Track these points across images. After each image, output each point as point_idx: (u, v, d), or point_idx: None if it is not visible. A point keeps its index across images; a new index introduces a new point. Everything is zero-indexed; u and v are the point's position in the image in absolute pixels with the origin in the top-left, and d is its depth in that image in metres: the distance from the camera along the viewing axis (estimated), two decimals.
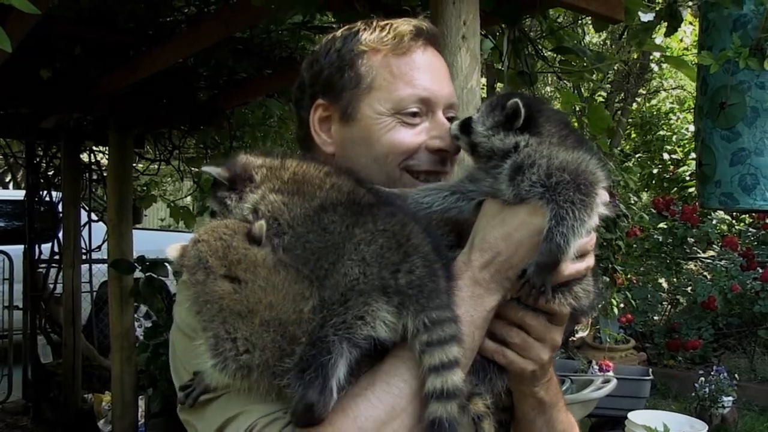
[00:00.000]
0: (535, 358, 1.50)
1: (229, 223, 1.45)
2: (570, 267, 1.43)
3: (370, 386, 1.34)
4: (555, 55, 3.99)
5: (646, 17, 3.28)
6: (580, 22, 4.72)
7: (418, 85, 1.63)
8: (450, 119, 1.69)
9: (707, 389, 8.16)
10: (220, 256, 1.38)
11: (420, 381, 1.32)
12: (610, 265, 4.10)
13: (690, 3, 3.43)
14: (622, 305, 8.84)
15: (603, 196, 1.46)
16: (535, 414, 1.63)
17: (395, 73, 1.63)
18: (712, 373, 8.31)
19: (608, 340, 8.96)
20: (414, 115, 1.63)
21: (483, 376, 1.51)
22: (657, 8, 3.26)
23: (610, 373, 6.82)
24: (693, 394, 8.35)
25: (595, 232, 1.48)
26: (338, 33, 1.72)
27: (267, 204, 1.46)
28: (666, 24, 3.18)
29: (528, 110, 1.49)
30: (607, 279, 4.33)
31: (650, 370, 7.76)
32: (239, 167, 1.53)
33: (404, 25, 1.66)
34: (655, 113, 15.73)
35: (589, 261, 1.49)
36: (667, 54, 6.82)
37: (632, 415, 5.97)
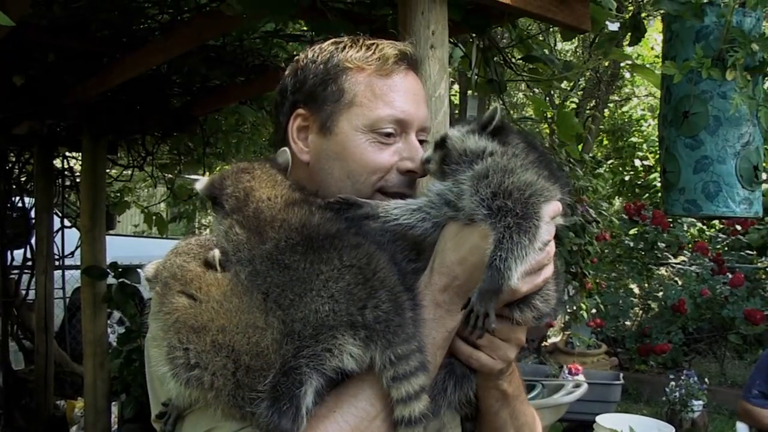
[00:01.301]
0: (503, 357, 1.58)
1: (191, 247, 1.51)
2: (526, 284, 1.48)
3: (338, 408, 1.40)
4: (524, 63, 4.04)
5: (613, 27, 3.34)
6: (550, 30, 4.78)
7: (396, 107, 1.69)
8: (421, 142, 1.76)
9: (678, 393, 8.26)
10: (177, 276, 1.45)
11: (383, 401, 1.40)
12: (579, 270, 4.16)
13: (658, 13, 3.49)
14: (594, 311, 8.94)
15: (552, 210, 1.50)
16: (499, 406, 1.69)
17: (376, 92, 1.69)
18: (682, 377, 8.41)
19: (578, 344, 9.03)
20: (389, 135, 1.69)
21: (459, 381, 1.59)
22: (624, 18, 3.32)
23: (581, 378, 6.88)
24: (664, 398, 8.44)
25: (552, 243, 1.53)
26: (325, 45, 1.77)
27: (233, 234, 1.52)
28: (630, 35, 3.24)
29: (502, 119, 1.58)
30: (577, 284, 4.39)
31: (621, 374, 7.83)
32: (215, 190, 1.59)
33: (390, 48, 1.72)
34: (626, 120, 15.89)
35: (547, 272, 1.53)
36: (636, 62, 6.91)
37: (600, 419, 6.03)
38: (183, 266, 1.47)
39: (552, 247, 1.53)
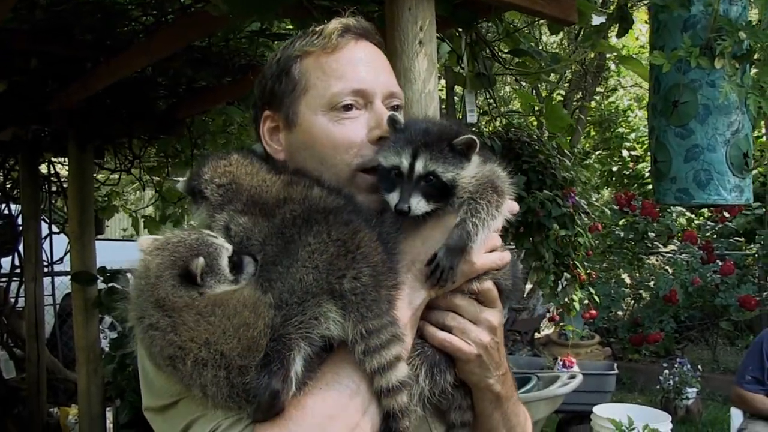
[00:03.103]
0: (475, 340, 1.59)
1: (178, 249, 1.46)
2: (483, 258, 1.58)
3: (322, 384, 1.43)
4: (512, 57, 4.04)
5: (598, 20, 3.34)
6: (536, 23, 4.79)
7: (350, 78, 1.66)
8: (395, 108, 1.74)
9: (671, 381, 8.30)
10: (152, 284, 1.42)
11: (365, 378, 1.44)
12: (571, 262, 4.17)
13: (642, 3, 3.49)
14: (586, 302, 8.93)
15: (510, 204, 1.64)
16: (492, 408, 1.70)
17: (326, 70, 1.67)
18: (675, 365, 8.45)
19: (572, 336, 9.07)
20: (348, 108, 1.65)
21: (430, 370, 1.59)
22: (610, 10, 3.32)
23: (576, 369, 6.90)
24: (658, 386, 8.48)
25: (498, 232, 1.65)
26: (278, 49, 1.78)
27: (237, 225, 1.52)
28: (617, 26, 3.23)
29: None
30: (569, 276, 4.39)
31: (615, 364, 7.87)
32: (194, 181, 1.61)
33: (332, 24, 1.70)
34: (613, 111, 15.93)
35: (504, 257, 1.64)
36: (622, 53, 6.93)
37: (597, 409, 6.08)
38: (157, 284, 1.41)
39: (497, 237, 1.65)
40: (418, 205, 1.56)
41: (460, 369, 1.62)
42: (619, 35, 3.31)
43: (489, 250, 1.60)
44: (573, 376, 6.29)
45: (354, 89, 1.65)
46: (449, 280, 1.52)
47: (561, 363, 7.09)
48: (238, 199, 1.54)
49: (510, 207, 1.64)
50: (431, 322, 1.58)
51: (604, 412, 5.94)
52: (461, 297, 1.60)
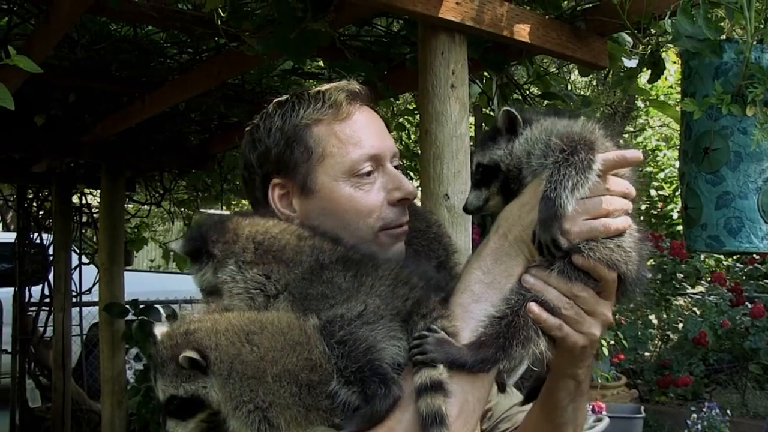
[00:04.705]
0: (586, 332, 1.51)
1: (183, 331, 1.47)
2: (578, 225, 1.46)
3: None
4: (542, 99, 4.06)
5: (630, 63, 3.35)
6: (566, 65, 4.81)
7: (365, 145, 1.72)
8: (396, 167, 1.78)
9: (699, 426, 8.14)
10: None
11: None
12: None
13: (672, 46, 3.50)
14: (612, 341, 8.84)
15: (604, 158, 1.48)
16: (568, 400, 1.68)
17: (342, 138, 1.71)
18: (704, 409, 8.30)
19: (599, 380, 8.96)
20: (369, 174, 1.71)
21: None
22: (639, 51, 3.33)
23: (603, 412, 6.82)
24: (685, 431, 8.33)
25: (615, 200, 1.50)
26: (271, 110, 1.79)
27: (247, 280, 1.54)
28: (650, 72, 3.24)
29: (507, 118, 1.60)
30: None
31: (642, 407, 7.75)
32: (196, 240, 1.60)
33: (339, 93, 1.74)
34: (641, 150, 15.83)
35: (608, 223, 1.48)
36: (651, 93, 6.92)
37: None
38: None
39: (613, 202, 1.49)
40: (473, 198, 1.65)
41: (558, 354, 1.55)
42: (651, 81, 3.31)
43: (594, 215, 1.46)
44: (599, 419, 6.22)
45: (371, 155, 1.71)
46: (561, 247, 1.43)
47: (590, 407, 7.01)
48: (244, 249, 1.55)
49: (605, 159, 1.47)
50: (546, 306, 1.48)
51: None
52: (582, 287, 1.49)
